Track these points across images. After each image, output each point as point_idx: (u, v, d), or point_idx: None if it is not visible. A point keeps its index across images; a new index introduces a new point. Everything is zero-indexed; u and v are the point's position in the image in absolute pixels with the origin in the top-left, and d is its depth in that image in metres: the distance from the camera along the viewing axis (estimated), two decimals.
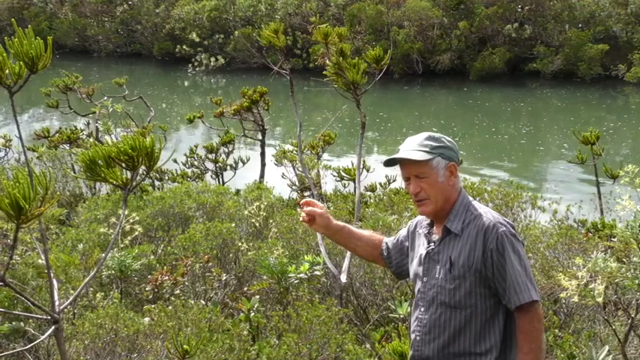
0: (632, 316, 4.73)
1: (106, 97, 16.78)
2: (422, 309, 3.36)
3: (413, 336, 3.41)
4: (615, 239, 5.62)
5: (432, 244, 3.37)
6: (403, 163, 3.33)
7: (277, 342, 5.30)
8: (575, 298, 4.20)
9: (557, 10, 36.29)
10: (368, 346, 5.72)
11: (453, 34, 36.79)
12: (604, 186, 10.71)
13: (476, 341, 3.23)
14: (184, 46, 42.91)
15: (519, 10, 37.06)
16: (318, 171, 11.82)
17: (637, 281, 3.89)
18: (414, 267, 3.48)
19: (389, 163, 3.38)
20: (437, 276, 3.30)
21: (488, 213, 3.30)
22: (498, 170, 19.58)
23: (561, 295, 4.50)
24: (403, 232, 3.68)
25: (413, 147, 3.31)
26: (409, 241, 3.60)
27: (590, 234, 7.62)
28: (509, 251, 3.18)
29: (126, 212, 7.33)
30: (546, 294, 6.41)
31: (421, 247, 3.44)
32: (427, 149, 3.28)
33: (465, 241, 3.25)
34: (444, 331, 3.27)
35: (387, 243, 3.73)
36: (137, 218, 7.59)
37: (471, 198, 3.41)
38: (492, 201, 8.71)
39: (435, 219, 3.41)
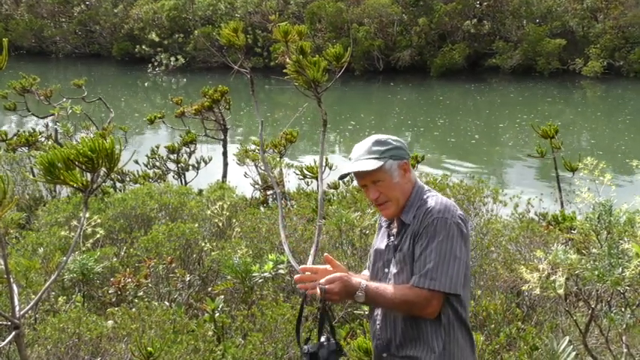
0: (593, 306, 4.79)
1: (64, 99, 16.58)
2: None
3: (374, 327, 3.44)
4: (575, 231, 5.69)
5: (392, 237, 3.42)
6: (358, 173, 3.35)
7: (242, 342, 5.29)
8: (537, 291, 4.24)
9: (514, 6, 36.69)
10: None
11: (412, 30, 36.99)
12: (564, 179, 10.86)
13: (425, 323, 3.25)
14: (144, 46, 42.60)
15: (478, 6, 37.42)
16: (281, 169, 11.80)
17: (596, 272, 3.95)
18: (373, 260, 3.51)
19: (345, 176, 3.43)
20: (392, 265, 3.35)
21: (434, 198, 3.31)
22: (460, 165, 19.73)
23: (523, 287, 4.55)
24: (371, 249, 3.68)
25: (363, 155, 3.32)
26: (376, 236, 3.63)
27: (550, 227, 7.72)
28: (431, 235, 3.18)
29: (87, 215, 7.26)
30: (509, 287, 6.48)
31: (382, 242, 3.48)
32: (377, 155, 3.30)
33: (411, 228, 3.29)
34: (398, 316, 3.31)
35: (367, 272, 3.66)
36: (99, 221, 7.51)
37: (425, 186, 3.44)
38: (455, 196, 8.78)
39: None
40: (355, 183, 11.36)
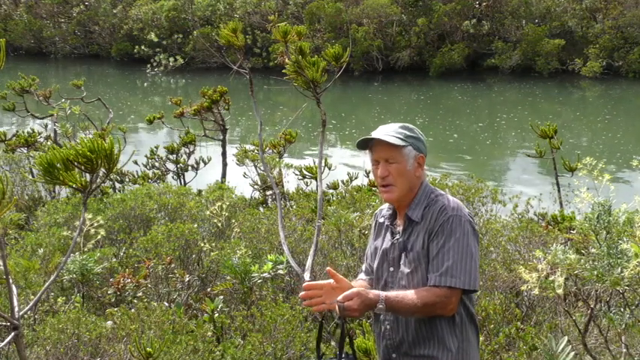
0: (592, 306, 4.79)
1: (63, 99, 16.57)
2: None
3: (383, 327, 3.42)
4: (574, 231, 5.69)
5: (397, 234, 3.42)
6: (376, 145, 3.38)
7: (242, 342, 5.29)
8: (536, 291, 4.23)
9: (513, 6, 36.69)
10: (333, 343, 5.73)
11: (412, 30, 36.99)
12: (563, 179, 10.85)
13: (439, 323, 3.26)
14: (143, 47, 42.59)
15: (477, 6, 37.40)
16: (280, 170, 11.80)
17: (596, 272, 3.94)
18: (378, 259, 3.50)
19: (363, 143, 3.42)
20: (400, 263, 3.35)
21: (445, 198, 3.35)
22: (459, 165, 19.73)
23: (522, 287, 4.55)
24: (367, 250, 3.68)
25: (388, 132, 3.38)
26: (374, 234, 3.62)
27: (550, 227, 7.71)
28: (448, 233, 3.21)
29: (87, 215, 7.26)
30: (508, 287, 6.47)
31: (385, 240, 3.48)
32: (401, 137, 3.36)
33: (422, 226, 3.30)
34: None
35: (364, 276, 3.66)
36: (101, 222, 7.51)
37: (432, 187, 3.46)
38: (454, 196, 8.76)
39: (397, 207, 3.45)
40: (354, 183, 11.39)
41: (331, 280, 3.28)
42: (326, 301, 3.24)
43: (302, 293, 3.32)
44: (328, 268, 3.39)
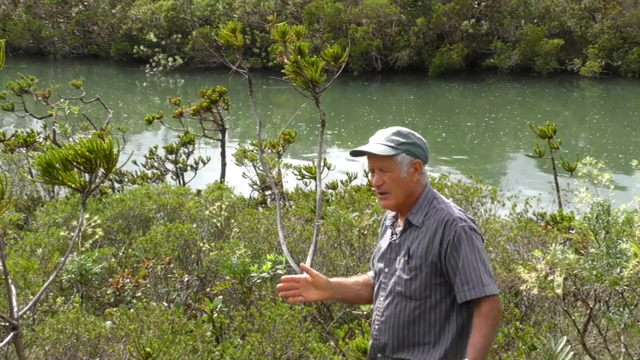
0: (591, 306, 4.79)
1: (62, 99, 16.55)
2: (381, 299, 3.41)
3: (373, 325, 3.44)
4: (573, 231, 5.69)
5: (395, 235, 3.42)
6: (369, 155, 3.35)
7: (241, 342, 5.28)
8: (535, 291, 4.23)
9: (512, 6, 36.69)
10: (332, 343, 5.73)
11: (411, 30, 36.98)
12: (562, 179, 10.84)
13: (429, 332, 3.26)
14: (142, 47, 42.56)
15: (476, 6, 37.40)
16: (279, 170, 11.80)
17: (595, 272, 3.94)
18: (377, 258, 3.51)
19: (355, 154, 3.41)
20: (396, 266, 3.35)
21: (450, 207, 3.33)
22: (458, 165, 19.73)
23: (521, 287, 4.54)
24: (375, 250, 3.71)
25: (380, 140, 3.34)
26: (380, 235, 3.64)
27: (549, 227, 7.71)
28: (465, 246, 3.20)
29: (86, 216, 7.26)
30: (507, 287, 6.47)
31: (385, 239, 3.48)
32: (393, 144, 3.31)
33: (424, 234, 3.29)
34: (399, 320, 3.31)
35: (372, 273, 3.67)
36: (98, 222, 7.50)
37: (436, 192, 3.44)
38: (452, 196, 8.78)
39: (398, 212, 3.44)
40: (353, 183, 11.39)
41: (307, 275, 3.42)
42: (303, 294, 3.42)
43: (279, 285, 3.45)
44: (302, 264, 3.47)
